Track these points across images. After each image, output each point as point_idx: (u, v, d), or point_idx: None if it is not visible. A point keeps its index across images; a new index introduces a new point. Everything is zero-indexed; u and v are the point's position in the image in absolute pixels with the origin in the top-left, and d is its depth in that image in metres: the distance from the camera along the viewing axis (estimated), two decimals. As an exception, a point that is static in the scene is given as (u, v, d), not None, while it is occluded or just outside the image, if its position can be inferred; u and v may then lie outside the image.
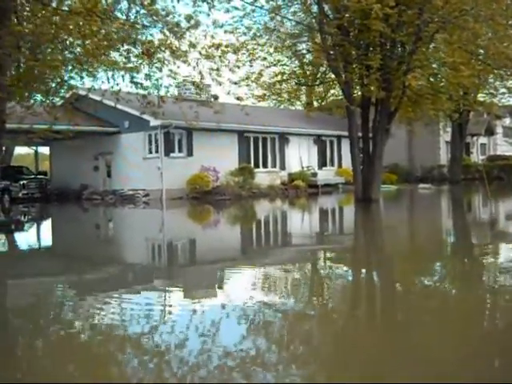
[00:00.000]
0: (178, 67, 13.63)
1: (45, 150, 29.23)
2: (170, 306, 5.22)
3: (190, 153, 22.87)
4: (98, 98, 20.58)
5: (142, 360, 3.58)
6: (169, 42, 13.11)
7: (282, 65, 20.20)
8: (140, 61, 13.68)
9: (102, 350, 3.93)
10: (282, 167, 26.32)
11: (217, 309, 4.87)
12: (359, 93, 18.19)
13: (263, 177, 24.30)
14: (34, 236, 13.65)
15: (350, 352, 3.81)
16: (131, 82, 14.43)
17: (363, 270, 7.11)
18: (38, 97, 15.88)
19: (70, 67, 14.01)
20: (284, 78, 20.16)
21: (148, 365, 3.51)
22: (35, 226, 16.94)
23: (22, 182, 24.25)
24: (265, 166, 25.74)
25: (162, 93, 15.86)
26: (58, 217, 19.70)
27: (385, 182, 26.71)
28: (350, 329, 4.40)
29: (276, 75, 19.96)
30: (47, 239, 12.78)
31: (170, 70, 13.50)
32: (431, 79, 18.22)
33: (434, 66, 18.57)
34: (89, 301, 5.44)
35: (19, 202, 23.75)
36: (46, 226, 16.94)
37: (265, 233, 12.24)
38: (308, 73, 21.69)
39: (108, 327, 4.42)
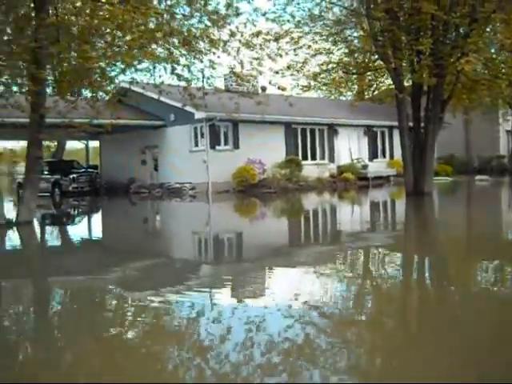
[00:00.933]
0: (218, 57, 13.21)
1: (96, 145, 29.57)
2: (217, 301, 5.19)
3: (236, 145, 22.55)
4: (142, 92, 20.64)
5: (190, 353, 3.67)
6: (208, 31, 12.72)
7: (328, 53, 19.42)
8: (180, 51, 13.36)
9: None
10: (331, 159, 25.62)
11: (261, 305, 4.78)
12: (410, 81, 17.30)
13: (311, 169, 23.70)
14: (85, 229, 13.92)
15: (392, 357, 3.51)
16: (172, 73, 14.15)
17: (414, 269, 6.69)
18: (83, 91, 15.94)
19: (109, 60, 13.82)
20: (330, 66, 19.42)
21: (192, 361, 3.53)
22: (85, 219, 17.18)
23: (71, 176, 24.60)
24: (313, 158, 25.11)
25: (205, 85, 15.58)
26: (106, 210, 19.93)
27: (439, 174, 25.62)
28: (399, 334, 4.09)
29: (322, 64, 19.25)
30: (97, 232, 12.98)
31: (210, 61, 13.11)
32: (488, 64, 17.08)
33: (491, 49, 17.45)
34: (137, 296, 5.48)
35: (69, 195, 24.12)
36: (96, 219, 17.19)
37: (313, 227, 11.87)
38: (356, 61, 20.86)
39: (156, 319, 4.55)
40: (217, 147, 22.03)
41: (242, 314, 4.62)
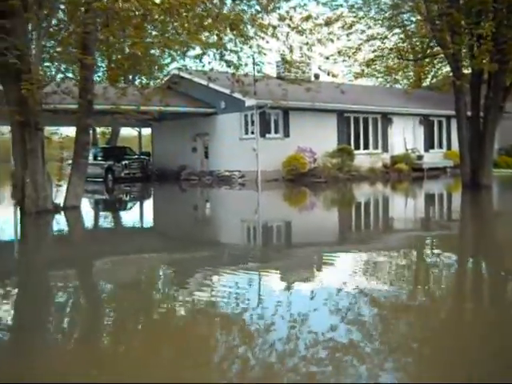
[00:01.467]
0: (267, 42, 12.90)
1: (149, 132, 29.87)
2: (264, 288, 5.28)
3: (286, 133, 22.20)
4: (194, 79, 20.61)
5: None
6: (257, 16, 12.43)
7: (383, 38, 18.70)
8: (228, 37, 13.14)
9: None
10: (385, 149, 24.87)
11: (309, 294, 4.86)
12: (469, 67, 16.45)
13: (363, 159, 23.07)
14: (137, 215, 14.14)
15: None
16: (221, 59, 13.97)
17: (469, 259, 6.43)
18: (136, 78, 16.03)
19: (159, 46, 13.76)
20: (385, 52, 18.71)
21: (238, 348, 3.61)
22: (137, 205, 17.39)
23: (124, 163, 24.90)
24: (365, 147, 24.44)
25: (254, 71, 15.32)
26: (157, 196, 20.13)
27: (499, 166, 24.49)
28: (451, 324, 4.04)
29: (376, 50, 18.56)
30: (149, 218, 13.16)
31: (258, 46, 12.83)
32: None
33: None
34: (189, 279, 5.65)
35: (121, 181, 24.43)
36: (147, 205, 17.42)
37: (364, 217, 11.62)
38: (412, 46, 20.03)
39: (205, 305, 4.68)
40: (267, 135, 21.76)
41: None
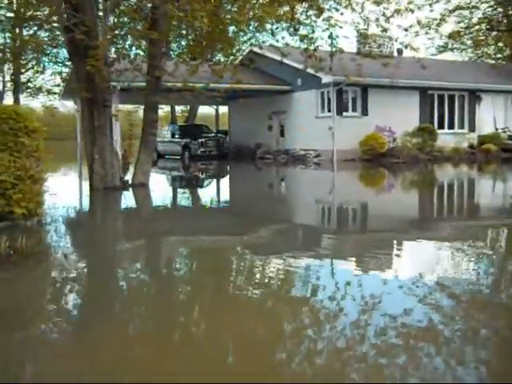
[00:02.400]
0: (342, 14, 12.22)
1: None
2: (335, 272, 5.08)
3: (364, 112, 21.33)
4: (270, 56, 20.14)
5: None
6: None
7: (472, 8, 17.24)
8: (302, 9, 12.59)
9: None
10: (471, 128, 23.32)
11: (381, 282, 4.64)
12: None
13: (446, 138, 21.74)
14: (213, 192, 14.21)
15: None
16: (295, 31, 13.44)
17: None
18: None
19: (238, 22, 13.42)
20: (474, 22, 17.27)
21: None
22: (210, 183, 17.47)
23: (200, 140, 25.00)
24: (450, 126, 23.04)
25: (330, 47, 14.64)
26: (232, 174, 20.10)
27: None
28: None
29: (462, 21, 17.20)
30: (224, 195, 13.15)
31: (329, 17, 12.15)
32: None
33: None
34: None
35: (198, 159, 24.58)
36: (222, 183, 17.44)
37: (448, 202, 10.87)
38: (505, 14, 18.32)
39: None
40: (344, 113, 20.99)
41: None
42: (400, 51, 23.34)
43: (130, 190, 11.61)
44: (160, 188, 13.90)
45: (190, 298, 4.42)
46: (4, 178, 6.35)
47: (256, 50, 20.16)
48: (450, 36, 16.77)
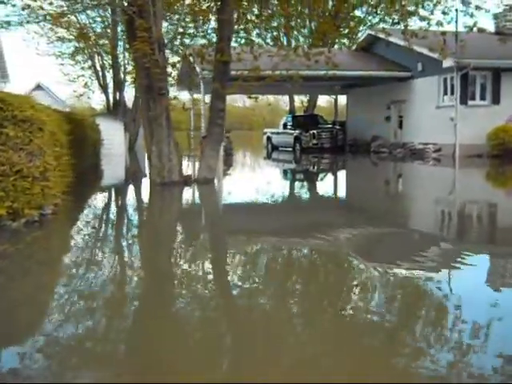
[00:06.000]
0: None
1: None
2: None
3: (495, 100, 18.41)
4: (388, 39, 18.00)
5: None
6: None
7: None
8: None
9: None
10: None
11: None
12: None
13: None
14: (324, 186, 13.36)
15: None
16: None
17: None
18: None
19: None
20: None
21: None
22: (325, 177, 16.41)
23: (312, 132, 23.53)
24: None
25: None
26: (345, 170, 18.54)
27: None
28: None
29: None
30: (337, 191, 12.24)
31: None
32: None
33: None
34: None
35: (310, 151, 23.16)
36: (333, 178, 16.18)
37: None
38: None
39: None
40: (469, 102, 18.28)
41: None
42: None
43: (194, 186, 10.61)
44: (231, 186, 12.26)
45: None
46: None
47: (373, 33, 18.22)
48: None
